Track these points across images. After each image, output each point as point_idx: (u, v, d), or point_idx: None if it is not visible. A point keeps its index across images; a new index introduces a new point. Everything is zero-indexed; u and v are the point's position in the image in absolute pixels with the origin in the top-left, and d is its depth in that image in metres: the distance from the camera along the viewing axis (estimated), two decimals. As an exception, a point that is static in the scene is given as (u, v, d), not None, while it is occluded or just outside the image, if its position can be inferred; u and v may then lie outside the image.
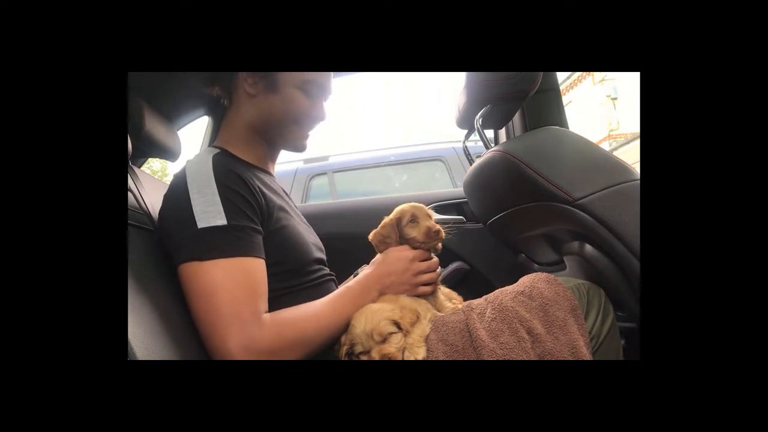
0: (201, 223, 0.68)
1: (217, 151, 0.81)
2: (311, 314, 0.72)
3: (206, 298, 0.66)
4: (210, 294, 0.65)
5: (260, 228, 0.74)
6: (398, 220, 0.81)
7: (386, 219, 0.83)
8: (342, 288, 0.78)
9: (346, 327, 0.72)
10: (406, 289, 0.78)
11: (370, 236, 0.83)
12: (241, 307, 0.65)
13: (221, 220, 0.68)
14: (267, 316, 0.68)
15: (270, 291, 0.72)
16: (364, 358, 0.67)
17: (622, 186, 0.78)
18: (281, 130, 0.86)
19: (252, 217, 0.72)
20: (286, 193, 0.97)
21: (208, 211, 0.68)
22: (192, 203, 0.69)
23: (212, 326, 0.65)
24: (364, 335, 0.67)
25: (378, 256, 0.82)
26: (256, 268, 0.70)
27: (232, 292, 0.65)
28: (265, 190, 0.80)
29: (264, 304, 0.69)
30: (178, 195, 0.72)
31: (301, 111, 0.84)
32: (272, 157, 0.93)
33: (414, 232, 0.80)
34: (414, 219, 0.81)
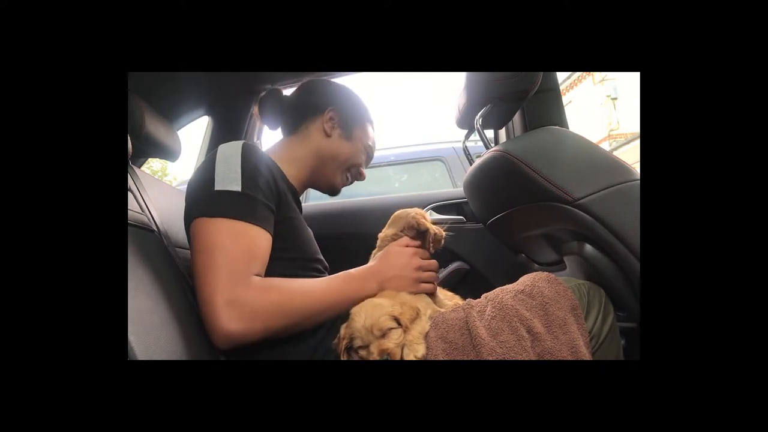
0: (218, 186, 0.73)
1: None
2: (302, 286, 0.74)
3: (206, 252, 0.70)
4: (210, 248, 0.70)
5: (273, 208, 0.78)
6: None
7: (389, 231, 0.85)
8: (342, 272, 0.80)
9: (339, 307, 0.73)
10: (408, 284, 0.79)
11: (381, 235, 0.86)
12: (235, 265, 0.68)
13: (236, 187, 0.73)
14: (257, 278, 0.71)
15: (276, 274, 0.75)
16: (362, 352, 0.68)
17: (622, 186, 0.78)
18: (335, 170, 0.97)
19: (266, 194, 0.77)
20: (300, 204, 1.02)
21: (228, 177, 0.74)
22: (215, 170, 0.75)
23: (205, 278, 0.68)
24: (363, 330, 0.67)
25: (379, 253, 0.83)
26: (258, 235, 0.73)
27: (230, 250, 0.69)
28: (284, 190, 0.83)
29: (259, 268, 0.72)
30: (206, 166, 0.78)
31: (356, 162, 0.98)
32: (304, 185, 0.99)
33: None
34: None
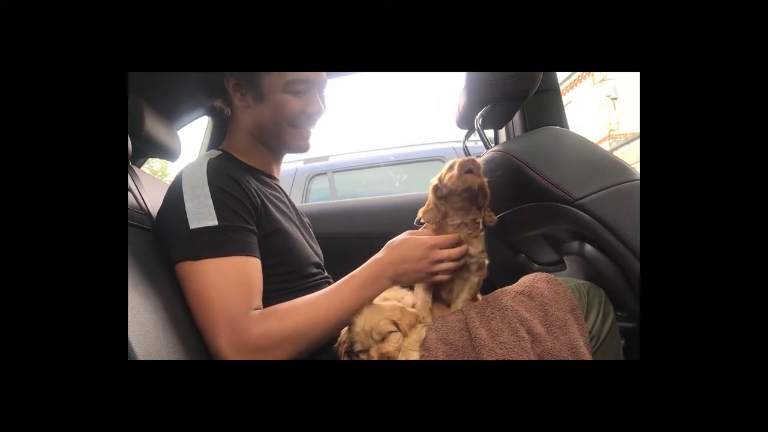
0: (193, 224, 0.69)
1: (217, 154, 0.83)
2: (305, 307, 0.71)
3: (198, 297, 0.68)
4: (202, 293, 0.67)
5: (254, 228, 0.74)
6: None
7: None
8: (344, 278, 0.75)
9: (348, 320, 0.70)
10: (421, 277, 0.75)
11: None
12: (230, 305, 0.66)
13: (212, 221, 0.69)
14: (257, 312, 0.68)
15: (267, 291, 0.72)
16: (363, 356, 0.67)
17: (622, 186, 0.78)
18: (278, 135, 0.85)
19: (245, 217, 0.73)
20: (289, 200, 0.97)
21: (200, 212, 0.70)
22: (185, 205, 0.71)
23: (205, 324, 0.67)
24: (363, 333, 0.67)
25: (392, 241, 0.77)
26: (247, 265, 0.71)
27: (223, 290, 0.67)
28: (264, 192, 0.80)
29: (256, 301, 0.70)
30: (173, 197, 0.74)
31: (293, 113, 0.83)
32: (276, 160, 0.94)
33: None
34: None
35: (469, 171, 0.72)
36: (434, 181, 0.76)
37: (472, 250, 0.76)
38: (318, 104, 0.86)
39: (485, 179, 0.75)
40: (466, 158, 0.73)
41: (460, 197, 0.75)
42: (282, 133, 0.85)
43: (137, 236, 0.73)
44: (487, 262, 0.79)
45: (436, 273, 0.74)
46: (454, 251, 0.74)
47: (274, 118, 0.83)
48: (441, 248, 0.74)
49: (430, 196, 0.77)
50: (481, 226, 0.77)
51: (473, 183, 0.73)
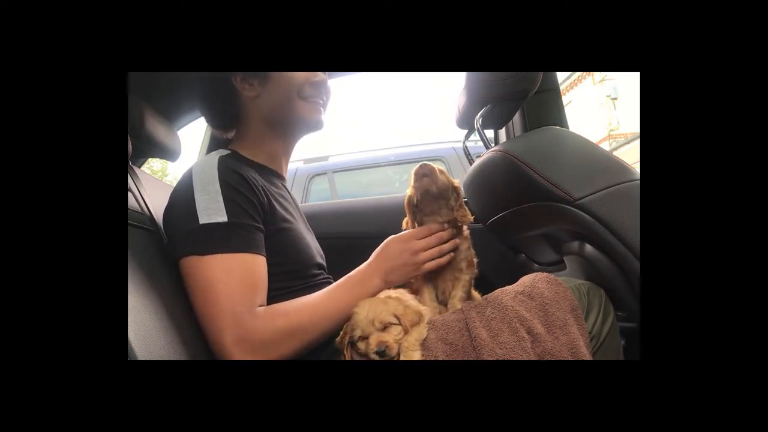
0: (203, 219, 0.70)
1: (226, 153, 0.83)
2: (307, 304, 0.73)
3: (204, 291, 0.68)
4: (207, 288, 0.67)
5: (262, 226, 0.75)
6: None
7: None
8: (343, 278, 0.79)
9: (346, 316, 0.72)
10: (410, 269, 0.78)
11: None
12: (236, 301, 0.67)
13: (222, 217, 0.70)
14: (261, 308, 0.69)
15: (270, 290, 0.73)
16: (361, 344, 0.68)
17: (622, 186, 0.78)
18: (292, 110, 0.87)
19: (253, 215, 0.74)
20: (293, 199, 0.98)
21: (211, 208, 0.70)
22: (195, 200, 0.71)
23: (209, 319, 0.67)
24: (365, 321, 0.68)
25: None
26: (254, 263, 0.71)
27: (229, 286, 0.67)
28: (270, 191, 0.81)
29: (261, 298, 0.71)
30: (183, 192, 0.74)
31: (299, 82, 0.86)
32: (285, 155, 0.96)
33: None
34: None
35: (424, 175, 0.77)
36: (408, 192, 0.82)
37: (460, 248, 0.81)
38: (320, 74, 0.89)
39: (454, 180, 0.81)
40: (420, 164, 0.78)
41: (426, 202, 0.80)
42: (294, 108, 0.87)
43: (137, 236, 0.73)
44: (476, 260, 0.84)
45: (422, 262, 0.78)
46: (431, 238, 0.79)
47: (284, 93, 0.85)
48: (417, 239, 0.79)
49: (405, 208, 0.83)
50: (464, 225, 0.83)
51: (429, 186, 0.78)
